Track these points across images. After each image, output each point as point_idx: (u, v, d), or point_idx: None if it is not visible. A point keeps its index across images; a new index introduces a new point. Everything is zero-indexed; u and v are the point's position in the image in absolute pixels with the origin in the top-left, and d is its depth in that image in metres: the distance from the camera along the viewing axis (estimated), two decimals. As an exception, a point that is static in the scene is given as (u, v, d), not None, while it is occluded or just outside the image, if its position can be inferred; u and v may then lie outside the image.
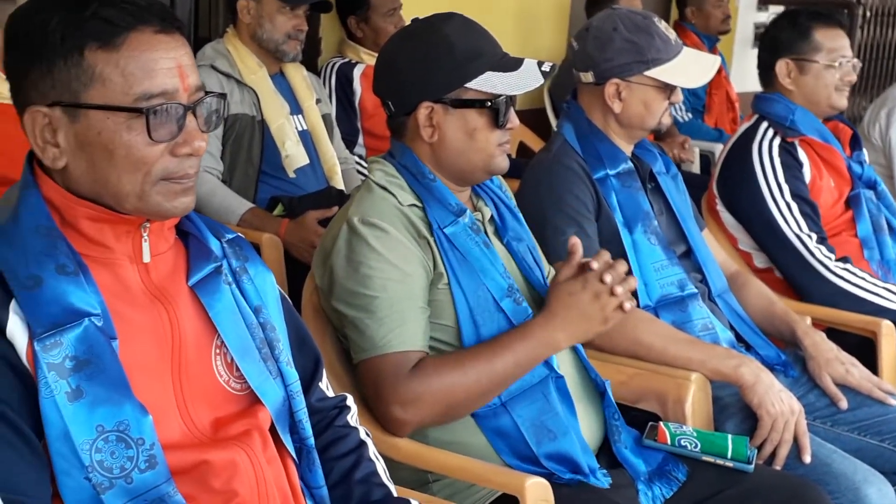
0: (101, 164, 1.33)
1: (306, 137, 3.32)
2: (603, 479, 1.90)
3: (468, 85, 1.92)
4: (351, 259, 1.88)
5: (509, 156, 2.02)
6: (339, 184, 3.36)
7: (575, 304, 1.88)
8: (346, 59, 3.93)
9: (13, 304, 1.28)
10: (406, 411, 1.81)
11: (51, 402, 1.26)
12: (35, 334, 1.27)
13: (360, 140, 3.88)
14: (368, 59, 3.88)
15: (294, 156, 3.21)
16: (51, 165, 1.35)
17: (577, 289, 1.88)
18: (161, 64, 1.33)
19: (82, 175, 1.34)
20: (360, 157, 3.80)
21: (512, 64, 1.95)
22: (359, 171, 3.64)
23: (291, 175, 3.23)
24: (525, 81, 1.93)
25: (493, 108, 1.92)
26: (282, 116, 3.21)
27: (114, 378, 1.30)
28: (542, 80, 1.94)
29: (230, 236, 1.53)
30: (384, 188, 1.95)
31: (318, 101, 3.44)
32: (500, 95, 1.92)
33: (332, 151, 3.39)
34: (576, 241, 1.94)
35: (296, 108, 3.33)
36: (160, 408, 1.34)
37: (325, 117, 3.45)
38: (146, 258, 1.40)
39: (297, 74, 3.39)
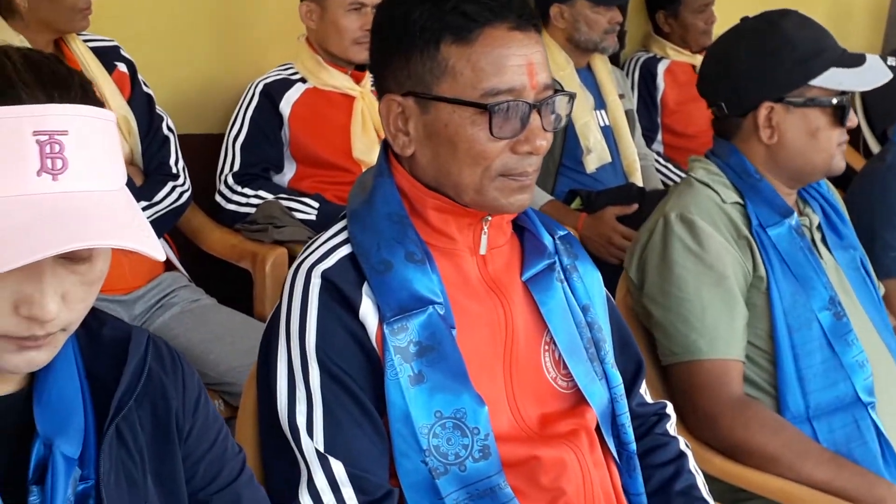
0: (445, 155, 1.36)
1: (608, 133, 3.30)
2: None
3: (812, 83, 1.83)
4: (665, 257, 1.85)
5: None
6: (639, 180, 3.32)
7: None
8: (651, 55, 3.87)
9: (365, 287, 1.34)
10: (719, 427, 1.76)
11: (395, 384, 1.30)
12: (384, 318, 1.32)
13: (660, 137, 3.81)
14: (675, 54, 3.81)
15: (596, 154, 3.19)
16: (400, 152, 1.39)
17: None
18: (512, 61, 1.33)
19: (427, 164, 1.38)
20: (658, 153, 3.73)
21: (854, 59, 1.86)
22: (657, 170, 3.58)
23: (591, 171, 3.22)
24: (871, 77, 1.84)
25: (839, 107, 1.84)
26: (587, 114, 3.20)
27: (453, 366, 1.32)
28: (889, 76, 1.84)
29: (562, 233, 1.52)
30: (706, 185, 1.90)
31: (621, 95, 3.41)
32: (846, 93, 1.83)
33: (632, 147, 3.35)
34: None
35: (599, 103, 3.31)
36: (491, 399, 1.35)
37: (628, 113, 3.41)
38: (483, 251, 1.42)
39: (604, 68, 3.37)
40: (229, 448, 1.19)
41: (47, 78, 0.95)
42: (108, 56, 2.53)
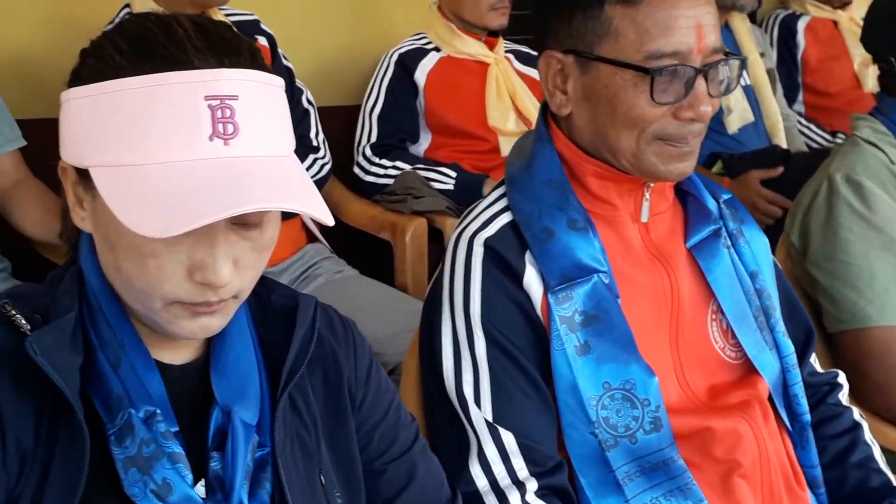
0: (602, 117, 1.32)
1: (749, 92, 3.19)
2: None
3: None
4: (830, 220, 1.77)
5: None
6: (783, 142, 3.19)
7: None
8: (790, 11, 3.71)
9: (528, 255, 1.31)
10: (891, 396, 1.68)
11: (562, 354, 1.27)
12: (549, 287, 1.29)
13: (800, 97, 3.66)
14: (815, 10, 3.64)
15: (738, 113, 3.08)
16: (556, 111, 1.36)
17: None
18: (679, 22, 1.27)
19: (585, 126, 1.34)
20: (800, 114, 3.59)
21: None
22: (799, 131, 3.45)
23: (733, 131, 3.11)
24: None
25: None
26: (728, 71, 3.09)
27: (620, 336, 1.29)
28: None
29: (726, 197, 1.47)
30: (873, 144, 1.81)
31: (761, 54, 3.28)
32: None
33: (775, 107, 3.23)
34: None
35: (739, 62, 3.20)
36: (658, 370, 1.31)
37: (769, 72, 3.29)
38: (644, 218, 1.37)
39: (743, 26, 3.25)
40: (402, 417, 1.18)
41: (218, 43, 0.95)
42: (248, 30, 2.55)
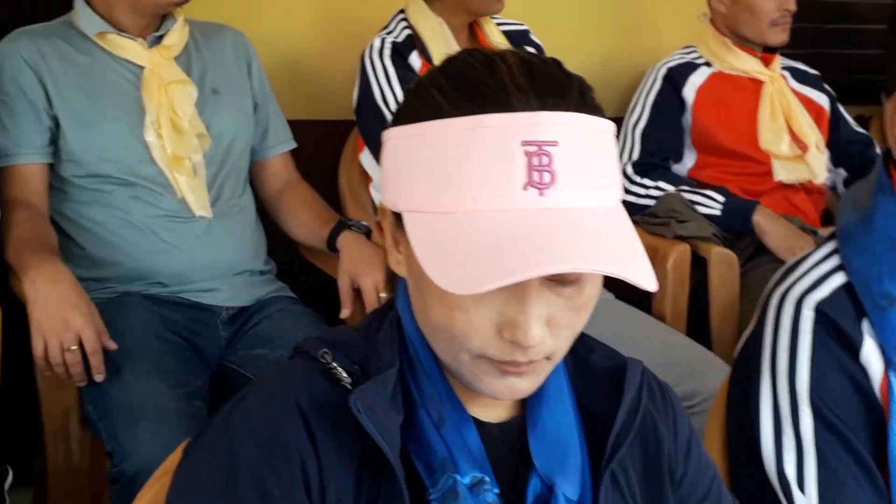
0: None
1: None
2: None
3: None
4: None
5: None
6: None
7: None
8: None
9: (865, 324, 1.17)
10: None
11: None
12: (891, 363, 1.14)
13: None
14: None
15: None
16: None
17: None
18: None
19: None
20: None
21: None
22: None
23: None
24: None
25: None
26: None
27: None
28: None
29: None
30: None
31: None
32: None
33: None
34: None
35: None
36: None
37: None
38: None
39: None
40: (723, 497, 1.07)
41: (542, 83, 0.87)
42: (517, 40, 2.48)
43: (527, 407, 0.98)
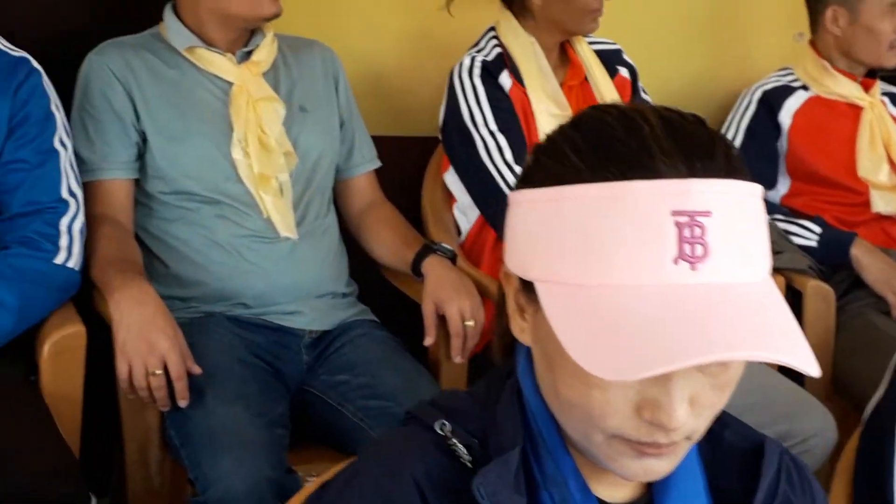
0: None
1: None
2: None
3: None
4: None
5: None
6: None
7: None
8: None
9: None
10: None
11: None
12: None
13: None
14: None
15: None
16: None
17: None
18: None
19: None
20: None
21: None
22: None
23: None
24: None
25: None
26: None
27: None
28: None
29: None
30: None
31: None
32: None
33: None
34: None
35: None
36: None
37: None
38: None
39: None
40: None
41: (689, 146, 0.81)
42: (611, 60, 2.41)
43: (654, 486, 0.91)
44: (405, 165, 2.50)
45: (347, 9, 2.48)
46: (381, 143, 2.34)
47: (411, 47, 2.56)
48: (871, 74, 2.66)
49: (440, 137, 2.35)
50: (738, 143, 2.62)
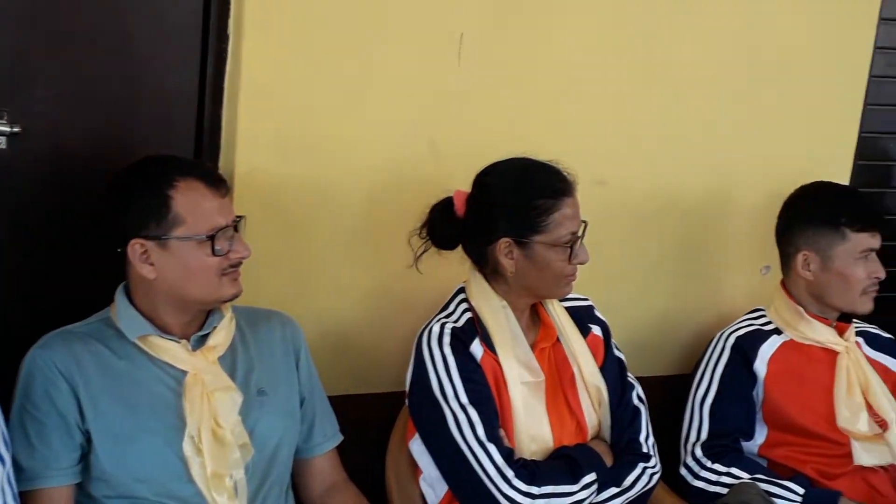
0: None
1: None
2: None
3: None
4: None
5: None
6: None
7: None
8: None
9: None
10: None
11: None
12: None
13: None
14: None
15: None
16: None
17: None
18: None
19: None
20: None
21: None
22: None
23: None
24: None
25: None
26: None
27: None
28: None
29: None
30: None
31: None
32: None
33: None
34: None
35: None
36: None
37: None
38: None
39: None
40: None
41: None
42: (583, 318, 2.31)
43: None
44: (369, 426, 2.36)
45: (310, 269, 2.36)
46: (344, 402, 2.22)
47: (378, 305, 2.45)
48: (844, 318, 2.60)
49: (406, 402, 2.22)
50: (712, 393, 2.52)
